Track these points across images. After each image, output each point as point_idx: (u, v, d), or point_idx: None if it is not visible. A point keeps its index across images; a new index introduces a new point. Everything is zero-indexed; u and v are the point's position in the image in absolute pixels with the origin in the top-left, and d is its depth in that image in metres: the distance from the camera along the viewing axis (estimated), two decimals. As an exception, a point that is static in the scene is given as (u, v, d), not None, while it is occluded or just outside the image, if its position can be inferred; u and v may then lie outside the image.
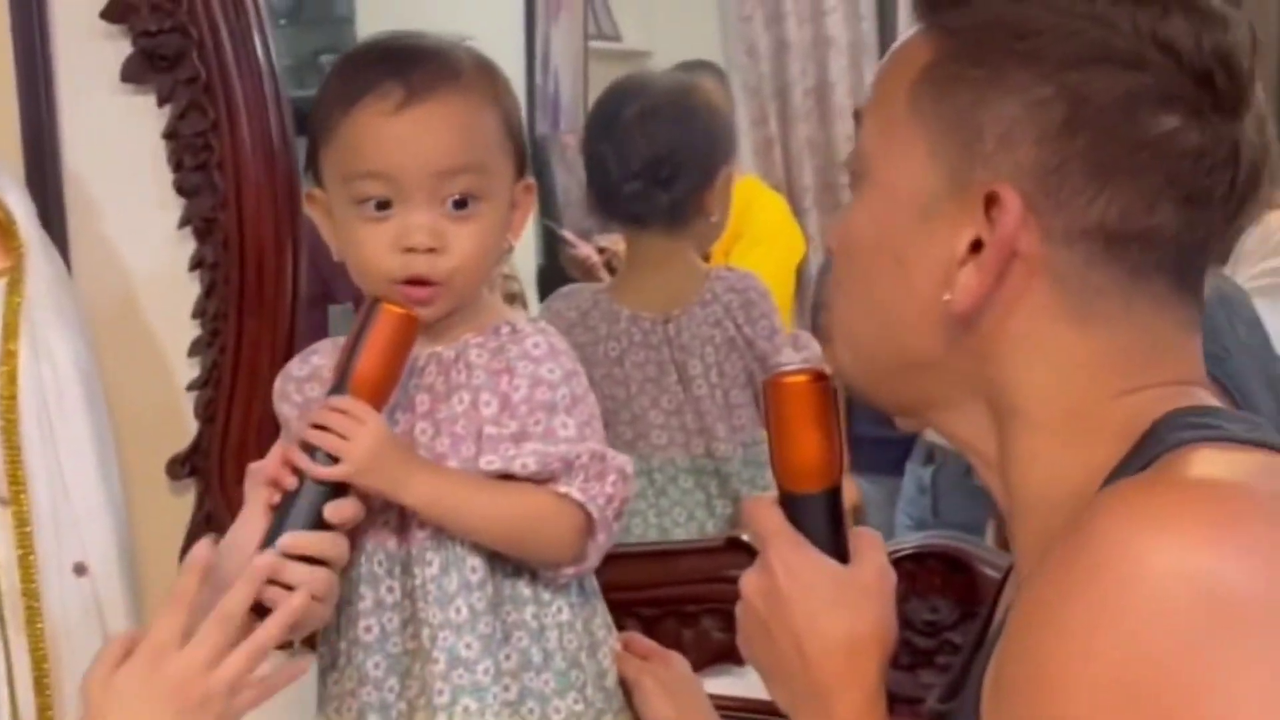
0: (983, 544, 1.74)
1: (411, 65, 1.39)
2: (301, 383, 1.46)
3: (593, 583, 1.47)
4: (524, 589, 1.41)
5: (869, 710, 1.07)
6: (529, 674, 1.40)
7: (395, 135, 1.36)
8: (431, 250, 1.36)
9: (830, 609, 1.08)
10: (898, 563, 1.68)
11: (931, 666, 1.70)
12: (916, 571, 1.70)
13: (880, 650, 1.09)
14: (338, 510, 1.33)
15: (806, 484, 1.11)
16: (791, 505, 1.11)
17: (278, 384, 1.48)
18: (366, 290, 1.40)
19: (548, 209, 2.51)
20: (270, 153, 1.84)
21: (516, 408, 1.39)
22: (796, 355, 2.09)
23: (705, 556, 1.77)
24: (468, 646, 1.39)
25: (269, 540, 1.31)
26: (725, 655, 1.72)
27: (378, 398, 1.34)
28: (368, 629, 1.41)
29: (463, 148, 1.38)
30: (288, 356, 1.79)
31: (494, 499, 1.38)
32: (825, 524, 1.11)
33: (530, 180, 1.46)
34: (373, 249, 1.37)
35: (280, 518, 1.32)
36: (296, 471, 1.33)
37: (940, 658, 1.70)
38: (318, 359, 1.47)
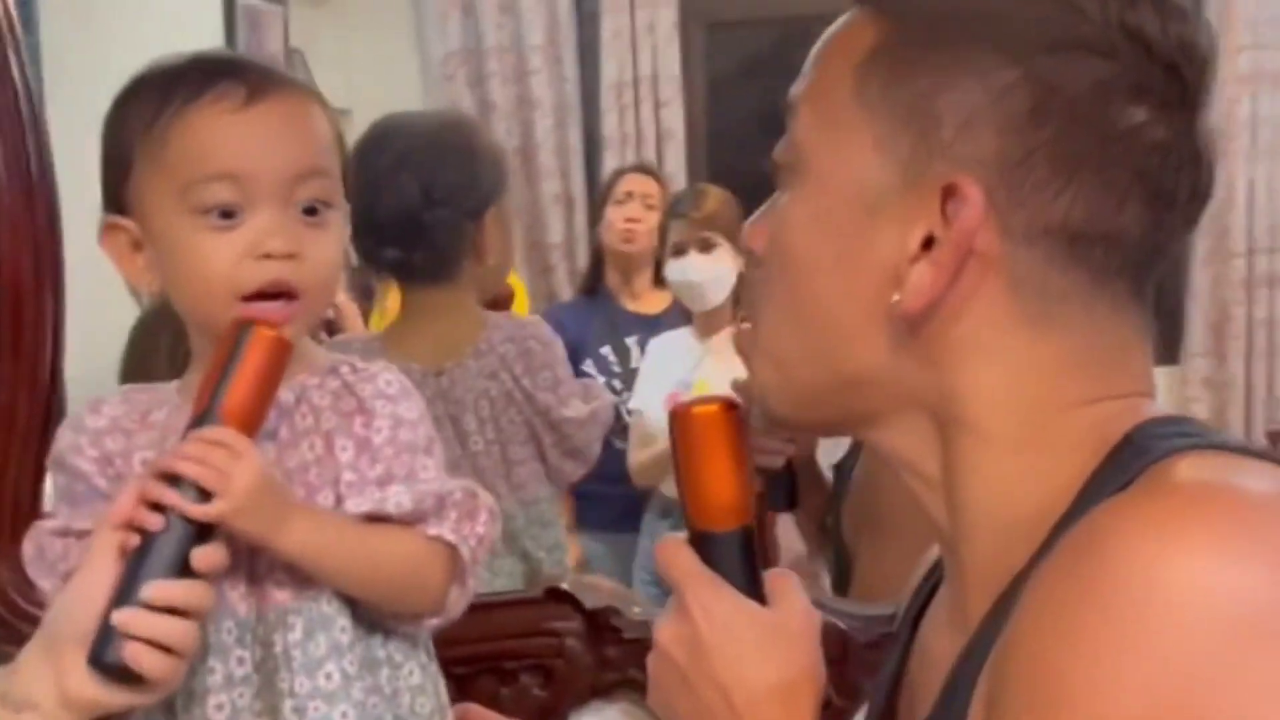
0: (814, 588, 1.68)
1: (242, 67, 1.27)
2: (99, 435, 1.30)
3: (430, 644, 1.36)
4: (379, 650, 1.29)
5: None
6: None
7: (244, 133, 1.24)
8: (290, 256, 1.23)
9: (758, 655, 0.98)
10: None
11: None
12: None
13: (814, 695, 0.99)
14: (207, 556, 1.16)
15: (720, 522, 1.02)
16: (704, 545, 1.02)
17: (66, 437, 1.31)
18: (202, 318, 1.26)
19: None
20: (27, 182, 1.66)
21: (379, 450, 1.27)
22: (585, 406, 2.02)
23: (524, 609, 1.66)
24: (343, 715, 1.25)
25: (126, 589, 1.14)
26: (547, 713, 1.62)
27: (249, 431, 1.19)
28: (219, 706, 1.24)
29: (312, 150, 1.27)
30: (49, 405, 1.64)
31: (370, 543, 1.25)
32: (740, 565, 1.02)
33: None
34: (219, 261, 1.23)
35: (137, 564, 1.14)
36: (161, 510, 1.16)
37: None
38: (111, 410, 1.31)
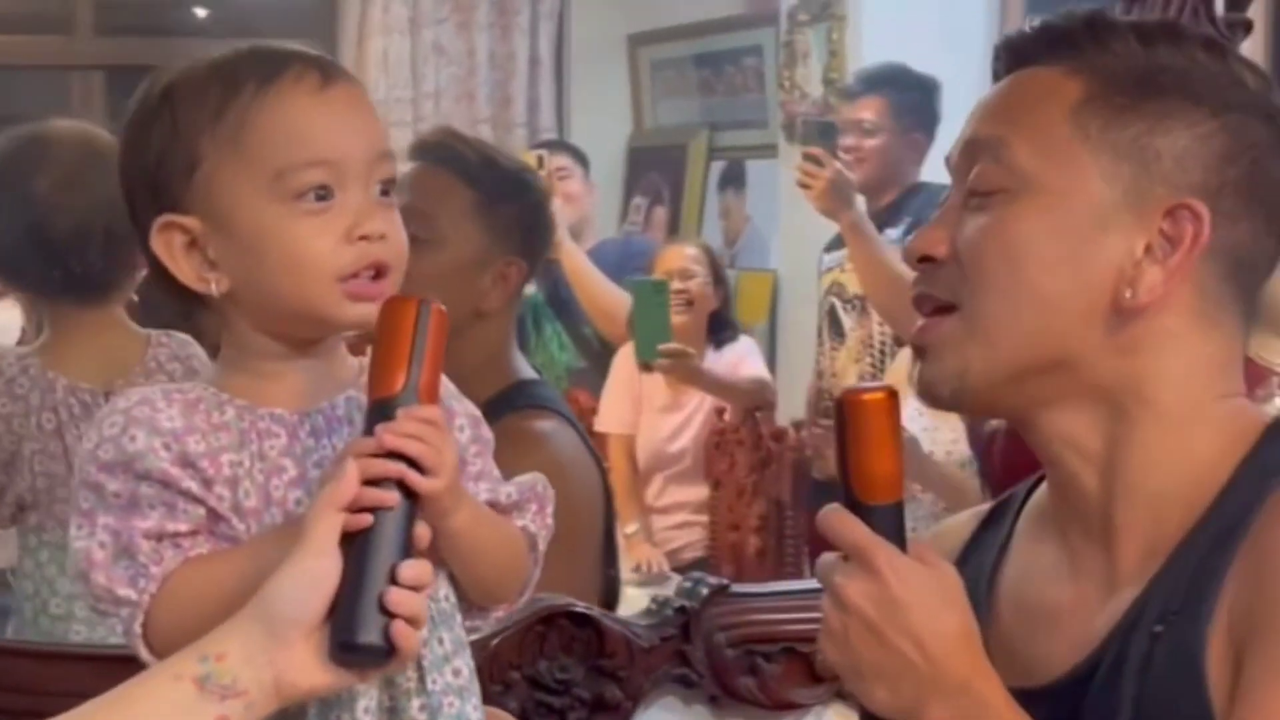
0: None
1: (295, 52, 1.28)
2: (178, 436, 1.22)
3: None
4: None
5: (1004, 690, 1.15)
6: None
7: (330, 117, 1.24)
8: (382, 237, 1.25)
9: (944, 609, 1.15)
10: (529, 627, 1.75)
11: (565, 725, 1.74)
12: (546, 633, 1.74)
13: (980, 641, 1.18)
14: (426, 532, 1.18)
15: (882, 495, 1.16)
16: (868, 515, 1.16)
17: (140, 439, 1.22)
18: (295, 303, 1.23)
19: None
20: None
21: (465, 447, 1.30)
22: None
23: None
24: (475, 709, 1.26)
25: (370, 570, 1.12)
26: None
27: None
28: (366, 709, 1.22)
29: (382, 131, 1.29)
30: None
31: (497, 527, 1.29)
32: (896, 533, 1.17)
33: None
34: (320, 244, 1.22)
35: (376, 543, 1.13)
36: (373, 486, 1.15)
37: (571, 715, 1.74)
38: (171, 409, 1.24)
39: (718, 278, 3.89)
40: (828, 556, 1.18)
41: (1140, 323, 1.18)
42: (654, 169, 5.19)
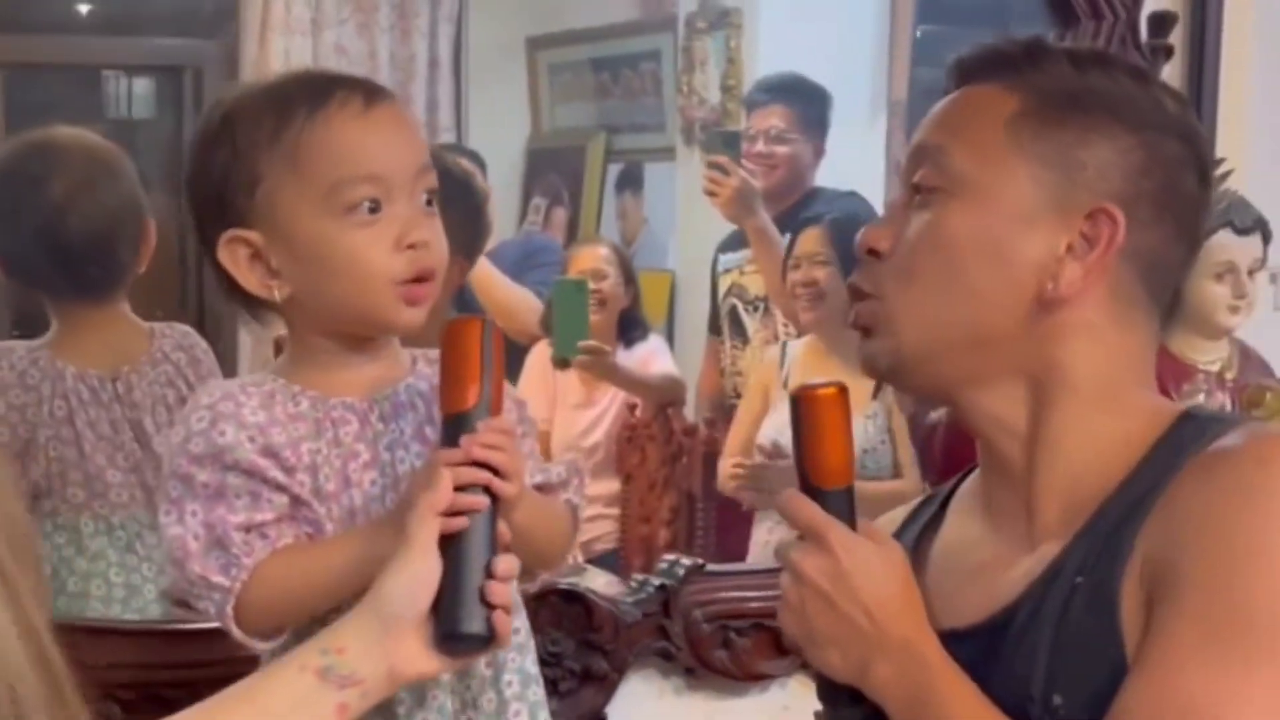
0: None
1: (340, 78, 1.42)
2: (262, 429, 1.36)
3: None
4: None
5: (942, 650, 1.30)
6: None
7: (375, 135, 1.37)
8: (426, 245, 1.37)
9: (888, 580, 1.30)
10: (523, 604, 1.87)
11: (555, 694, 1.86)
12: (539, 609, 1.86)
13: (922, 608, 1.33)
14: (507, 531, 1.31)
15: (835, 481, 1.31)
16: (822, 499, 1.31)
17: (229, 433, 1.35)
18: (355, 308, 1.34)
19: None
20: None
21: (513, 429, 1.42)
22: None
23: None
24: (533, 663, 1.39)
25: (469, 566, 1.26)
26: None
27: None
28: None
29: (422, 145, 1.43)
30: None
31: (548, 508, 1.46)
32: (848, 515, 1.31)
33: None
34: (375, 253, 1.36)
35: (471, 543, 1.27)
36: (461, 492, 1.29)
37: (562, 685, 1.87)
38: (252, 401, 1.37)
39: (628, 278, 3.99)
40: (786, 537, 1.32)
41: (1062, 314, 1.31)
42: (553, 170, 5.27)
